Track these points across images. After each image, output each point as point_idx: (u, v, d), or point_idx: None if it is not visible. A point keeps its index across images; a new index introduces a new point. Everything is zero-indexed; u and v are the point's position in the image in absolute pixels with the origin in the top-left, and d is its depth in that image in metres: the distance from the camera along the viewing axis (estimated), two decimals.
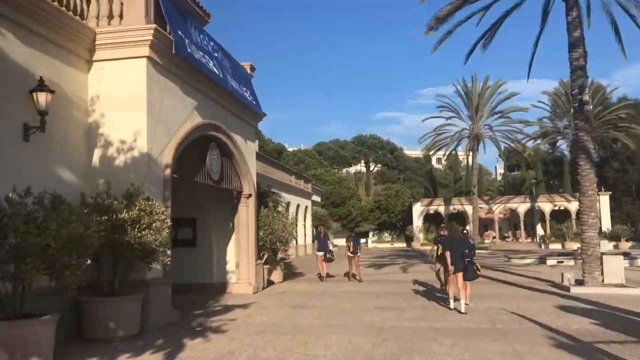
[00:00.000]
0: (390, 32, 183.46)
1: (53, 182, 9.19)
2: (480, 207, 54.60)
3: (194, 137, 12.47)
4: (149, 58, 10.39)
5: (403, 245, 58.91)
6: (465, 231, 14.81)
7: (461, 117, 52.61)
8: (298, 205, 42.24)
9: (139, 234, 9.11)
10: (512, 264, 27.77)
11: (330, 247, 20.39)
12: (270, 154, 79.89)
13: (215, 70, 13.14)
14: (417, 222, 59.23)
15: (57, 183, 9.32)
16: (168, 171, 10.94)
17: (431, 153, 55.84)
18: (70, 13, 10.01)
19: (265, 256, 17.68)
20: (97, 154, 10.36)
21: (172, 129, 11.33)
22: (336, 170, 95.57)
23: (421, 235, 56.40)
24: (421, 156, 71.37)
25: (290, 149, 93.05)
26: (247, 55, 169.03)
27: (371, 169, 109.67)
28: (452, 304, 12.25)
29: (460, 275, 12.04)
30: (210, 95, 13.39)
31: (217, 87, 13.52)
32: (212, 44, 13.69)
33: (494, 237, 55.32)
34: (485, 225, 59.91)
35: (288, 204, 37.39)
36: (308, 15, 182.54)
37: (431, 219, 59.55)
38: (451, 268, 12.10)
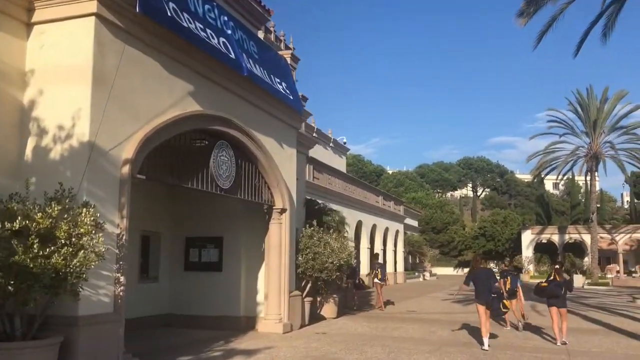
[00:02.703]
0: (506, 52, 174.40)
1: None
2: (602, 237, 47.57)
3: (187, 130, 9.71)
4: (98, 16, 7.73)
5: None
6: (557, 266, 11.47)
7: (576, 133, 45.91)
8: (387, 229, 38.72)
9: (42, 253, 6.31)
10: (638, 305, 22.21)
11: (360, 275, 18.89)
12: (369, 176, 77.02)
13: (222, 49, 10.28)
14: (527, 251, 52.93)
15: None
16: (127, 169, 8.13)
17: (543, 175, 49.32)
18: None
19: (308, 287, 14.45)
20: (30, 143, 7.82)
21: (143, 116, 8.58)
22: (439, 193, 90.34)
23: (531, 267, 50.22)
24: (532, 180, 64.74)
25: (391, 171, 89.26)
26: (362, 82, 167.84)
27: (478, 193, 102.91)
28: (485, 343, 10.80)
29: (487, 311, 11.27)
30: (218, 81, 10.58)
31: (228, 71, 10.68)
32: (224, 18, 10.87)
33: (618, 272, 47.86)
34: (608, 258, 52.57)
35: (370, 225, 34.06)
36: (424, 42, 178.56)
37: (543, 249, 53.15)
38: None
